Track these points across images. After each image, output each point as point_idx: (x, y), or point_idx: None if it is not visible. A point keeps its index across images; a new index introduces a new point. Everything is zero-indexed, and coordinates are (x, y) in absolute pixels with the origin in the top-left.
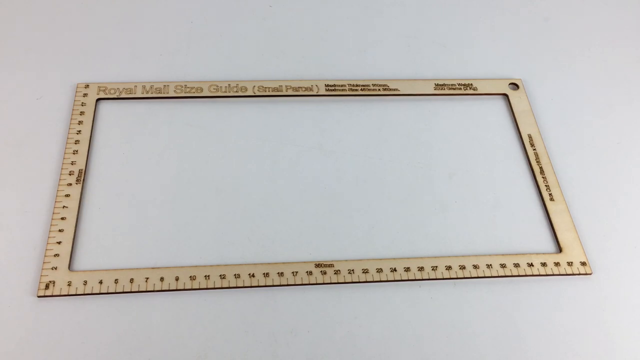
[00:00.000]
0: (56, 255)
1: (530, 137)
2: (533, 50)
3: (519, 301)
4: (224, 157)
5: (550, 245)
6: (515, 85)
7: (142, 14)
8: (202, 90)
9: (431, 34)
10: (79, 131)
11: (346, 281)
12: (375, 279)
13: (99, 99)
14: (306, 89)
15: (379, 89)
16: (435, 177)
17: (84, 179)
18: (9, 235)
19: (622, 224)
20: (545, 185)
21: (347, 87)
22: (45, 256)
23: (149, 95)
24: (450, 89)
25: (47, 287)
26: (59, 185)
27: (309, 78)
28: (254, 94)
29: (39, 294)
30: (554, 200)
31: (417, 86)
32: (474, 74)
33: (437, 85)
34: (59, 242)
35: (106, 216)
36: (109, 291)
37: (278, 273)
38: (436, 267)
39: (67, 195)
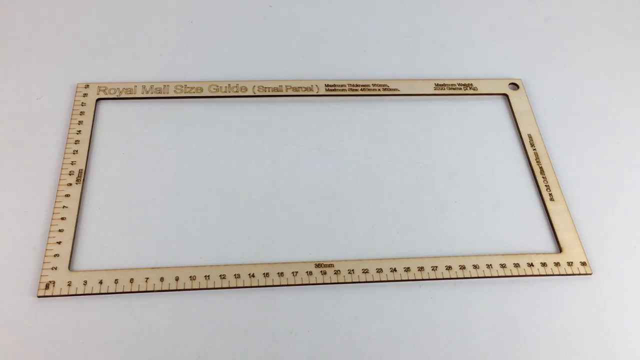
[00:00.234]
0: (56, 255)
1: (530, 137)
2: (533, 50)
3: (519, 301)
4: (224, 157)
5: (550, 245)
6: (515, 85)
7: (142, 14)
8: (202, 90)
9: (431, 34)
10: (79, 131)
11: (346, 281)
12: (375, 279)
13: (99, 99)
14: (306, 89)
15: (379, 89)
16: (435, 177)
17: (84, 179)
18: (9, 235)
19: (622, 224)
20: (545, 185)
21: (347, 87)
22: (45, 256)
23: (149, 95)
24: (450, 89)
25: (47, 287)
26: (59, 185)
27: (309, 78)
28: (254, 94)
29: (39, 294)
30: (554, 200)
31: (417, 86)
32: (474, 74)
33: (437, 85)
34: (59, 242)
35: (106, 216)
36: (109, 291)
37: (278, 273)
38: (436, 267)
39: (67, 195)
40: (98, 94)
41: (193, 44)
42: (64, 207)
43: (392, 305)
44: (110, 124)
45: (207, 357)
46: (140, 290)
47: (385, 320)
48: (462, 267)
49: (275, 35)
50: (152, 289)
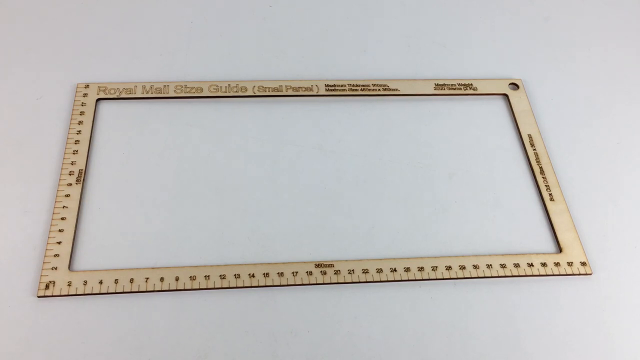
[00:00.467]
0: (56, 255)
1: (530, 137)
2: (533, 50)
3: (519, 301)
4: (224, 157)
5: (550, 245)
6: (515, 85)
7: (142, 14)
8: (202, 90)
9: (431, 34)
10: (79, 131)
11: (346, 281)
12: (375, 279)
13: (99, 99)
14: (306, 89)
15: (379, 89)
16: (435, 177)
17: (84, 179)
18: (9, 235)
19: (622, 224)
20: (545, 185)
21: (347, 87)
22: (45, 256)
23: (149, 95)
24: (450, 89)
25: (47, 287)
26: (59, 185)
27: (309, 78)
28: (254, 94)
29: (39, 294)
30: (554, 200)
31: (417, 86)
32: (474, 74)
33: (437, 85)
34: (59, 242)
35: (106, 216)
36: (109, 291)
37: (278, 273)
38: (436, 267)
39: (67, 195)
40: (98, 94)
41: (193, 44)
42: (64, 207)
43: (392, 305)
44: (110, 124)
45: (207, 357)
46: (140, 290)
47: (385, 320)
48: (462, 267)
49: (275, 35)
50: (152, 289)
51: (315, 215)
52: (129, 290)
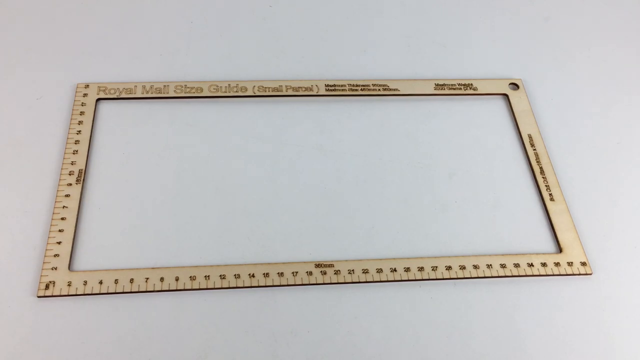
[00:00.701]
0: (56, 255)
1: (530, 137)
2: (533, 50)
3: (519, 301)
4: (224, 157)
5: (550, 246)
6: (515, 85)
7: (142, 14)
8: (202, 90)
9: (431, 34)
10: (79, 131)
11: (346, 281)
12: (375, 279)
13: (99, 99)
14: (306, 89)
15: (379, 89)
16: (435, 177)
17: (84, 179)
18: (9, 235)
19: (622, 224)
20: (545, 185)
21: (347, 87)
22: (45, 256)
23: (149, 95)
24: (450, 89)
25: (47, 287)
26: (59, 185)
27: (309, 78)
28: (254, 94)
29: (39, 294)
30: (554, 200)
31: (417, 86)
32: (474, 74)
33: (437, 85)
34: (59, 242)
35: (106, 216)
36: (109, 291)
37: (278, 273)
38: (436, 267)
39: (67, 195)
40: (98, 94)
41: (193, 44)
42: (64, 207)
43: (392, 305)
44: (110, 124)
45: (207, 357)
46: (140, 290)
47: (385, 320)
48: (462, 267)
49: (275, 35)
50: (152, 289)
51: (315, 215)
52: (129, 290)
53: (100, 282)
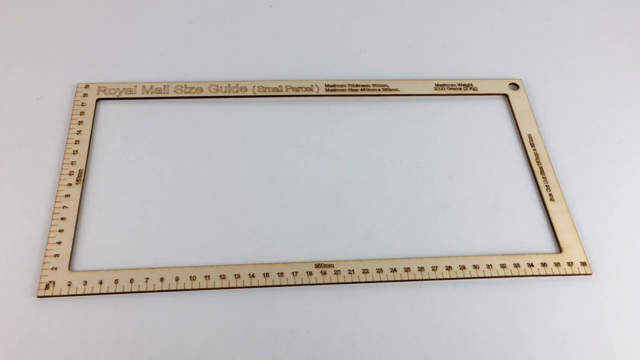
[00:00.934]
0: (56, 255)
1: (530, 137)
2: (533, 50)
3: (519, 301)
4: (224, 157)
5: (550, 246)
6: (515, 85)
7: (142, 14)
8: (202, 90)
9: (431, 34)
10: (79, 131)
11: (346, 281)
12: (375, 279)
13: (99, 99)
14: (306, 89)
15: (379, 89)
16: (435, 177)
17: (84, 179)
18: (9, 235)
19: (622, 224)
20: (545, 185)
21: (347, 87)
22: (45, 256)
23: (149, 95)
24: (450, 89)
25: (47, 287)
26: (59, 185)
27: (309, 78)
28: (254, 94)
29: (39, 294)
30: (554, 200)
31: (417, 86)
32: (474, 74)
33: (437, 85)
34: (59, 242)
35: (106, 216)
36: (109, 291)
37: (278, 273)
38: (436, 267)
39: (67, 195)
40: (98, 94)
41: (193, 44)
42: (64, 207)
43: (392, 305)
44: (110, 124)
45: (207, 357)
46: (140, 290)
47: (385, 320)
48: (462, 267)
49: (275, 35)
50: (152, 289)
51: (315, 215)
52: (129, 291)
53: (100, 282)
